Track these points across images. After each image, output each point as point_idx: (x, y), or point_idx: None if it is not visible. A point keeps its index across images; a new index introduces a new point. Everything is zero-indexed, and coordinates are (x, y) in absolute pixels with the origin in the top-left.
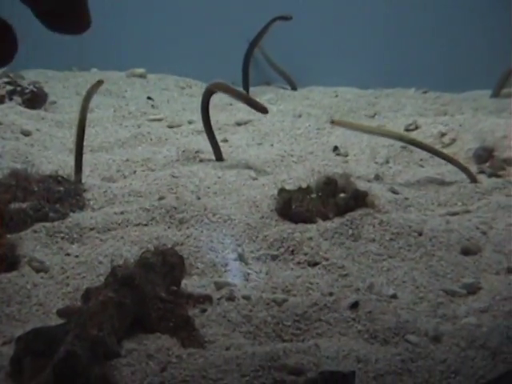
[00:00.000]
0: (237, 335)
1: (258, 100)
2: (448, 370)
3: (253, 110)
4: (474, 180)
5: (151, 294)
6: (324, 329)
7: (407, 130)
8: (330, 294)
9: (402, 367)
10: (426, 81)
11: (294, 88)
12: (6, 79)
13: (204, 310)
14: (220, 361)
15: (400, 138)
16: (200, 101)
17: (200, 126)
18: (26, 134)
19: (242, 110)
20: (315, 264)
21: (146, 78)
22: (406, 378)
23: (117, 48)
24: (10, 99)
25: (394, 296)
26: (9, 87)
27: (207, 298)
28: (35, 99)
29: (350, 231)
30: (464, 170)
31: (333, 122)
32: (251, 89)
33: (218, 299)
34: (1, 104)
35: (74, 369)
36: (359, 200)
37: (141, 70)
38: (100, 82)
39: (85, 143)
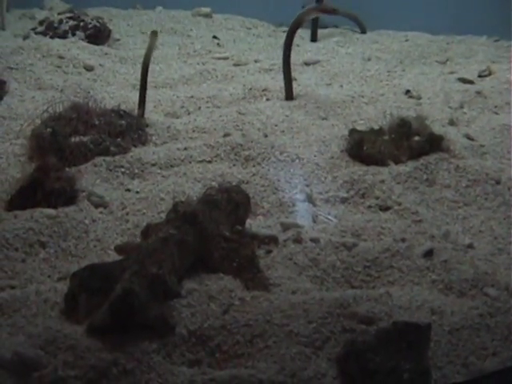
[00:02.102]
0: (303, 279)
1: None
2: None
3: (321, 51)
4: None
5: (214, 232)
6: (396, 276)
7: (480, 75)
8: (403, 240)
9: (479, 322)
10: (497, 29)
11: (363, 31)
12: (69, 14)
13: (269, 252)
14: (285, 305)
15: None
16: (267, 42)
17: (267, 64)
18: (89, 68)
19: (311, 51)
20: (387, 208)
21: (211, 18)
22: (483, 333)
23: None
24: (73, 34)
25: (471, 246)
26: (72, 22)
27: (273, 239)
28: (98, 34)
29: (425, 176)
30: None
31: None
32: (320, 31)
33: (284, 241)
34: (64, 39)
35: (131, 307)
36: (434, 144)
37: (206, 10)
38: (155, 33)
39: (148, 79)
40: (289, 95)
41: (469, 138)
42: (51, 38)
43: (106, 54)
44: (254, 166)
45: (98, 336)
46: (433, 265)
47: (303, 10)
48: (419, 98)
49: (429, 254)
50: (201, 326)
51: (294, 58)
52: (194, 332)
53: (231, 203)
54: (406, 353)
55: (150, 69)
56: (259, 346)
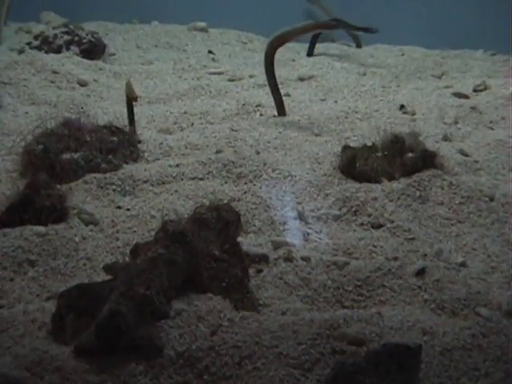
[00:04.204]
0: (294, 299)
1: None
2: None
3: (316, 66)
4: None
5: (204, 251)
6: (388, 296)
7: (476, 90)
8: (395, 259)
9: (471, 342)
10: (494, 43)
11: (358, 45)
12: (63, 29)
13: (259, 271)
14: (275, 326)
15: None
16: (262, 56)
17: (262, 79)
18: (83, 84)
19: (305, 66)
20: (379, 226)
21: (207, 32)
22: (475, 354)
23: (178, 1)
24: (68, 49)
25: (464, 264)
26: (66, 37)
27: (263, 258)
28: (93, 49)
29: (418, 193)
30: None
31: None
32: (316, 45)
33: (275, 259)
34: (58, 53)
35: (118, 329)
36: (428, 161)
37: (202, 24)
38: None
39: (142, 95)
40: (281, 111)
41: (463, 153)
42: (46, 52)
43: (101, 68)
44: (245, 183)
45: (84, 358)
46: (425, 284)
47: (296, 27)
48: (413, 113)
49: (421, 272)
50: (189, 347)
51: (289, 73)
52: (182, 353)
53: (221, 222)
54: (396, 375)
55: (144, 84)
56: (248, 368)
